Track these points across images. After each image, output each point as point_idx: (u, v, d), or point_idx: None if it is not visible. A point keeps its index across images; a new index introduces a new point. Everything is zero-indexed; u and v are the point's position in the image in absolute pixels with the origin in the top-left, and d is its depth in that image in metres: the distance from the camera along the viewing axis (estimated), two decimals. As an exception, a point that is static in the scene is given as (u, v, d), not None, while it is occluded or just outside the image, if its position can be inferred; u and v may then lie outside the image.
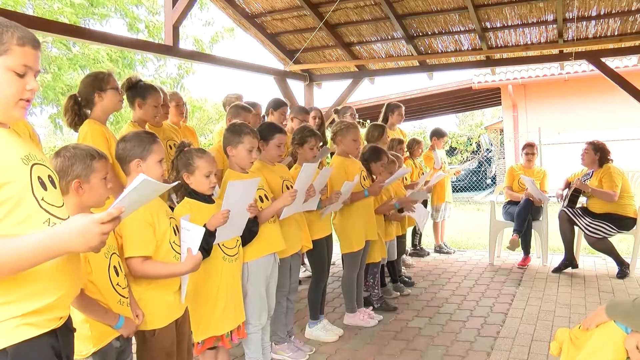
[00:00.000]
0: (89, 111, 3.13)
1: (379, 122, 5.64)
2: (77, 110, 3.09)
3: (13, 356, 1.33)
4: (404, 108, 6.10)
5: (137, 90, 3.50)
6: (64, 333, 1.51)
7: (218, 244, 2.70)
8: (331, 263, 4.30)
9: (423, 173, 6.06)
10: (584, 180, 5.53)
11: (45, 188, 1.43)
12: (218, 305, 2.72)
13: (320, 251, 3.83)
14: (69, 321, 1.55)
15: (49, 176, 1.48)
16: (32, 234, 1.30)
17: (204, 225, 2.51)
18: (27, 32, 1.41)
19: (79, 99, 3.11)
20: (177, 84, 11.95)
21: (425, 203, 6.34)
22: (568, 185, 5.85)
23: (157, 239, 2.27)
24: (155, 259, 2.27)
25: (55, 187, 1.49)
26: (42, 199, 1.41)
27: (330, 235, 4.01)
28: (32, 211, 1.38)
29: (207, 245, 2.51)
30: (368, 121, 5.92)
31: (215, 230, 2.57)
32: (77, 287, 1.56)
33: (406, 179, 5.50)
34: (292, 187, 3.49)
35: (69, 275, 1.47)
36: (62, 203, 1.51)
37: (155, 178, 1.82)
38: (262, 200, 3.12)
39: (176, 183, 2.49)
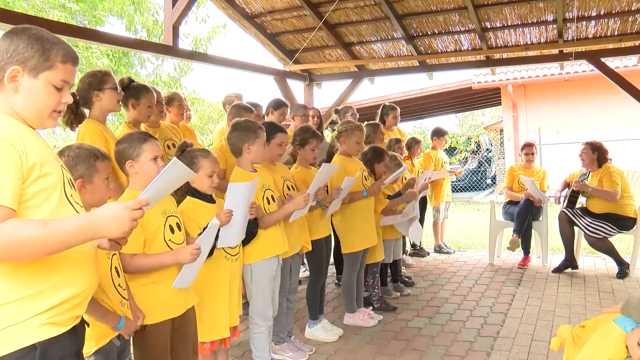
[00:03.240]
0: (86, 110, 3.12)
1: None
2: (75, 108, 3.07)
3: (42, 352, 1.40)
4: (399, 110, 6.10)
5: (130, 90, 3.47)
6: (81, 329, 1.59)
7: None
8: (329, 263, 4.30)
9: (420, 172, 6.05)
10: (581, 181, 5.53)
11: (71, 187, 1.55)
12: (223, 305, 2.73)
13: (319, 252, 3.83)
14: (99, 311, 1.66)
15: (70, 180, 1.57)
16: (70, 217, 1.40)
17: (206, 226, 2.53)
18: (70, 50, 1.51)
19: (77, 97, 3.09)
20: (174, 84, 11.92)
21: (425, 202, 6.35)
22: (566, 186, 5.85)
23: (147, 237, 2.27)
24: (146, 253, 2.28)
25: (75, 190, 1.58)
26: (71, 196, 1.52)
27: (330, 236, 4.01)
28: (63, 204, 1.47)
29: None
30: (365, 122, 5.92)
31: (218, 230, 2.57)
32: (96, 283, 1.62)
33: (405, 179, 5.49)
34: (293, 187, 3.50)
35: (88, 269, 1.54)
36: (81, 204, 1.59)
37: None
38: (268, 202, 3.11)
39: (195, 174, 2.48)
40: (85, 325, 1.65)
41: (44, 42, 1.46)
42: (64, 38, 6.18)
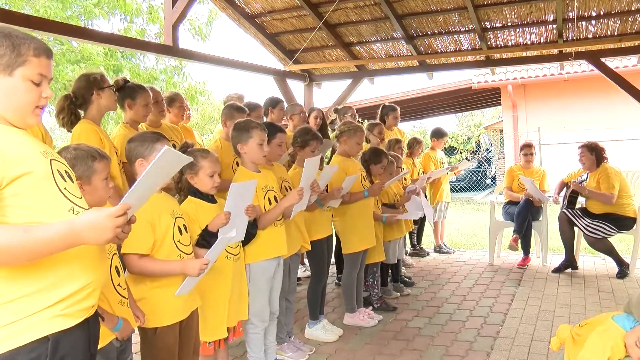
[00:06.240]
0: (82, 111, 3.13)
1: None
2: (73, 109, 3.09)
3: (54, 344, 1.41)
4: (399, 111, 6.12)
5: (126, 91, 3.48)
6: (94, 322, 1.58)
7: None
8: (330, 263, 4.31)
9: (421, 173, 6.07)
10: (580, 183, 5.53)
11: (64, 180, 1.52)
12: (225, 305, 2.72)
13: (319, 252, 3.83)
14: (97, 309, 1.61)
15: (66, 171, 1.55)
16: (52, 224, 1.36)
17: (206, 226, 2.54)
18: (41, 43, 1.49)
19: (74, 98, 3.11)
20: (176, 72, 11.84)
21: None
22: (563, 186, 5.85)
23: (157, 238, 2.26)
24: (154, 257, 2.27)
25: (72, 182, 1.56)
26: (65, 189, 1.49)
27: (331, 236, 4.01)
28: (55, 199, 1.45)
29: (208, 245, 2.51)
30: (366, 121, 5.94)
31: (217, 231, 2.57)
32: (105, 274, 1.61)
33: (405, 179, 5.50)
34: (290, 187, 3.49)
35: (98, 261, 1.54)
36: (80, 195, 1.57)
37: None
38: (270, 203, 3.11)
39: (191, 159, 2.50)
40: (100, 319, 1.65)
41: (13, 38, 1.43)
42: (64, 38, 6.18)
